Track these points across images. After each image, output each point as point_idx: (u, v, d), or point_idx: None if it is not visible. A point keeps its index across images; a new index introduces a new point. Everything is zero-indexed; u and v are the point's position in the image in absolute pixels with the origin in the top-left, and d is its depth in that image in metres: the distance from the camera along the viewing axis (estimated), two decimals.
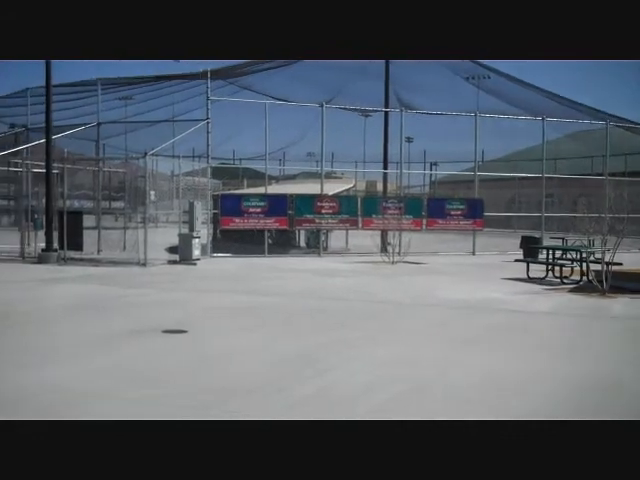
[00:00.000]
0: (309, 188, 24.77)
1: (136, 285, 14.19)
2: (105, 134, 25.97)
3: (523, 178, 33.97)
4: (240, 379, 6.76)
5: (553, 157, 31.20)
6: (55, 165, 19.80)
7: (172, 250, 20.74)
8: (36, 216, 21.94)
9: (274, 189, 26.37)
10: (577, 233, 18.47)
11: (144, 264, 17.57)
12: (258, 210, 21.98)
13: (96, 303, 11.72)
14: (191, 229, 19.53)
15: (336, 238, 25.15)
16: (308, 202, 22.71)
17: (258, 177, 34.22)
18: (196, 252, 19.33)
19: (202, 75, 22.01)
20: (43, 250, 18.94)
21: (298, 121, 31.82)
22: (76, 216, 19.65)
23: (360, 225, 23.52)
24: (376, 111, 28.27)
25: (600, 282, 13.34)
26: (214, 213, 22.63)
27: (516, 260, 17.39)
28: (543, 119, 25.36)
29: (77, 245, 19.27)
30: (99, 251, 21.06)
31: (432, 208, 24.66)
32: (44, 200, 20.24)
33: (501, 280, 15.65)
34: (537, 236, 22.78)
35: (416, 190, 42.40)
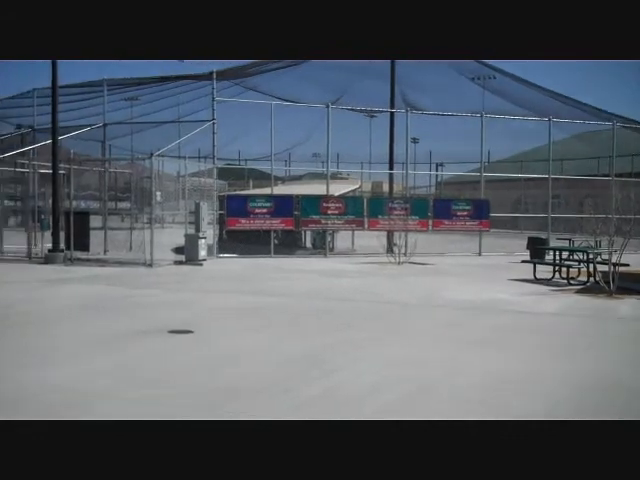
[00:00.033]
0: (315, 189, 24.76)
1: (142, 285, 14.21)
2: (111, 135, 25.99)
3: (529, 179, 33.93)
4: (246, 379, 6.76)
5: (559, 158, 31.13)
6: (61, 166, 19.85)
7: (178, 251, 20.77)
8: (43, 217, 22.01)
9: (280, 190, 26.37)
10: (584, 234, 18.42)
11: (150, 265, 17.60)
12: (264, 211, 21.99)
13: (102, 303, 11.74)
14: (197, 230, 19.57)
15: (342, 239, 25.13)
16: (314, 203, 22.70)
17: (264, 178, 34.26)
18: (202, 253, 19.36)
19: (208, 76, 22.05)
20: (50, 250, 18.98)
21: (304, 122, 31.81)
22: (83, 217, 19.69)
23: (366, 226, 23.50)
24: (382, 112, 28.26)
25: (607, 283, 13.28)
26: (220, 214, 22.64)
27: (523, 261, 17.32)
28: (549, 120, 25.30)
29: (84, 245, 19.31)
30: (105, 251, 21.12)
31: (438, 209, 24.61)
32: (50, 201, 20.32)
33: (508, 281, 15.60)
34: (544, 237, 22.71)
35: (422, 191, 42.44)
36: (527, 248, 19.30)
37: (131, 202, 22.92)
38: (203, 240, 19.50)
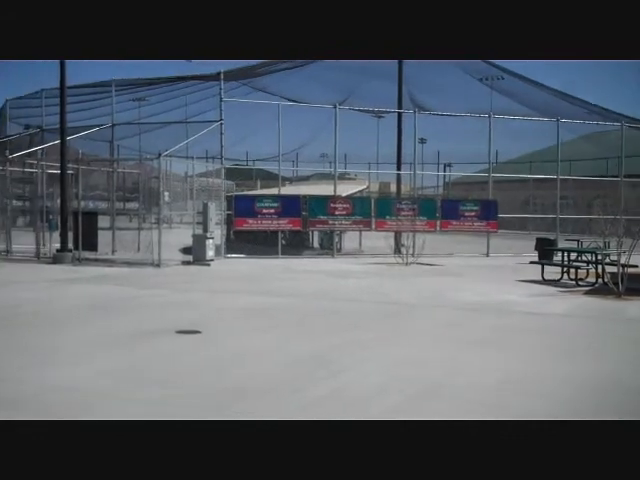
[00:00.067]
0: (322, 189, 24.75)
1: (150, 286, 14.24)
2: (119, 135, 26.05)
3: (537, 179, 33.81)
4: (254, 380, 6.76)
5: (568, 158, 31.00)
6: (70, 166, 19.93)
7: (186, 251, 20.80)
8: (51, 217, 22.08)
9: (287, 190, 26.39)
10: (592, 235, 18.34)
11: (158, 265, 17.62)
12: (272, 211, 22.00)
13: (110, 304, 11.77)
14: (205, 230, 19.59)
15: (349, 239, 25.12)
16: (321, 203, 22.69)
17: (271, 178, 34.22)
18: (210, 253, 19.38)
19: (215, 77, 22.08)
20: (58, 250, 19.05)
21: (311, 122, 31.76)
22: (91, 217, 19.75)
23: (373, 226, 23.48)
24: (389, 112, 28.22)
25: (616, 284, 13.22)
26: (228, 214, 22.65)
27: (531, 262, 17.25)
28: (557, 120, 25.21)
29: (92, 245, 19.36)
30: (113, 251, 21.17)
31: (446, 209, 24.55)
32: (59, 201, 20.38)
33: (516, 282, 15.55)
34: (552, 238, 22.63)
35: (430, 191, 42.30)
36: (535, 249, 19.25)
37: (139, 202, 23.01)
38: (211, 240, 19.52)
